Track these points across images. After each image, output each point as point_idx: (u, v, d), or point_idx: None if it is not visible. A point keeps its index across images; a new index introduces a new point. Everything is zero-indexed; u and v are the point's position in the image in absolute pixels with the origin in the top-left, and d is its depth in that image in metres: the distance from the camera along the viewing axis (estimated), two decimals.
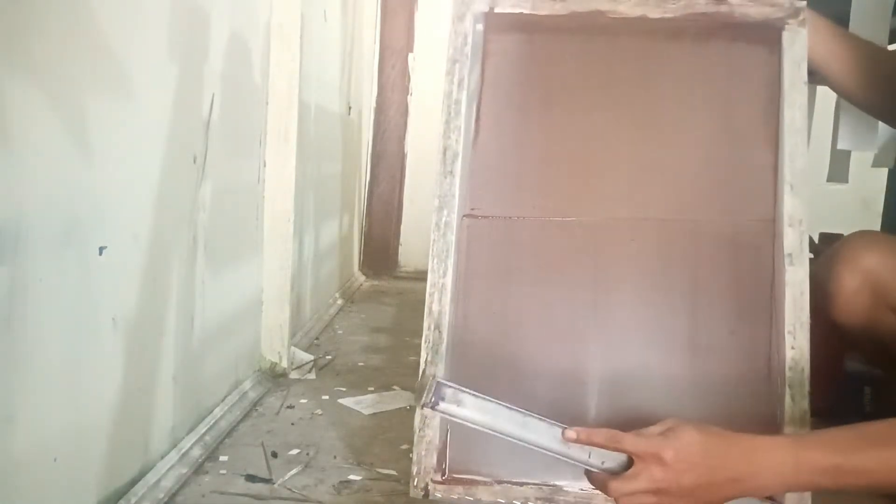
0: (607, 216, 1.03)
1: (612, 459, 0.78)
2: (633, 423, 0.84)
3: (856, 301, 1.05)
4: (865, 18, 1.33)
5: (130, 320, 0.89)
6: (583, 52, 1.07)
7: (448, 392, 0.80)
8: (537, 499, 0.97)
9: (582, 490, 0.97)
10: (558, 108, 1.07)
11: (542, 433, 0.79)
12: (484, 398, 0.80)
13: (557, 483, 0.97)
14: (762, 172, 1.03)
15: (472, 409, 0.79)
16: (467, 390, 0.80)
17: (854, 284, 1.04)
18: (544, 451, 0.79)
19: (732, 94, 1.05)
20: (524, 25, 1.07)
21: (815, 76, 1.06)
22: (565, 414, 0.98)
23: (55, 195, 0.72)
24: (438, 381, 0.80)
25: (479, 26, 1.07)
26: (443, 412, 0.80)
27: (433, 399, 0.79)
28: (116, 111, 0.83)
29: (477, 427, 0.80)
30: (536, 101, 1.07)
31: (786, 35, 1.02)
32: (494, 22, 1.07)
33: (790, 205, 0.99)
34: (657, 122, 1.05)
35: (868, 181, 1.91)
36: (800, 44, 1.02)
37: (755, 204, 1.02)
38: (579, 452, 0.78)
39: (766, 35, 1.04)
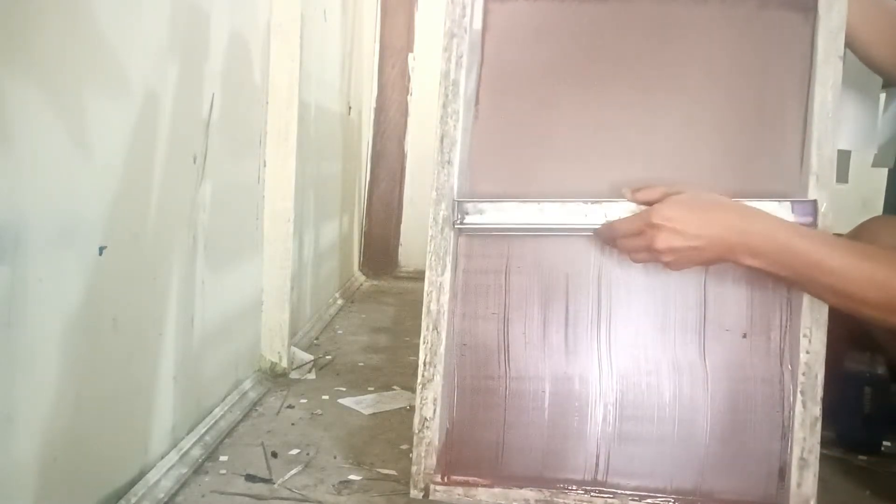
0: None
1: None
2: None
3: None
4: None
5: (130, 320, 0.89)
6: (594, 20, 0.99)
7: (468, 206, 0.93)
8: (537, 500, 0.96)
9: (581, 491, 0.97)
10: (566, 86, 0.99)
11: (558, 212, 0.92)
12: (500, 200, 0.93)
13: (557, 485, 0.97)
14: (787, 159, 0.96)
15: (493, 212, 0.93)
16: (484, 200, 0.93)
17: None
18: (566, 228, 0.92)
19: (760, 67, 0.97)
20: None
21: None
22: (565, 431, 0.98)
23: (55, 195, 0.72)
24: (457, 201, 0.93)
25: None
26: (471, 224, 0.92)
27: (458, 217, 0.92)
28: (116, 111, 0.83)
29: (504, 225, 0.92)
30: (542, 78, 1.00)
31: (822, 0, 0.94)
32: None
33: (815, 196, 0.93)
34: (674, 100, 0.98)
35: (868, 181, 1.91)
36: (838, 11, 0.94)
37: (777, 194, 0.95)
38: (596, 218, 0.91)
39: (801, 0, 0.96)
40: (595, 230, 0.92)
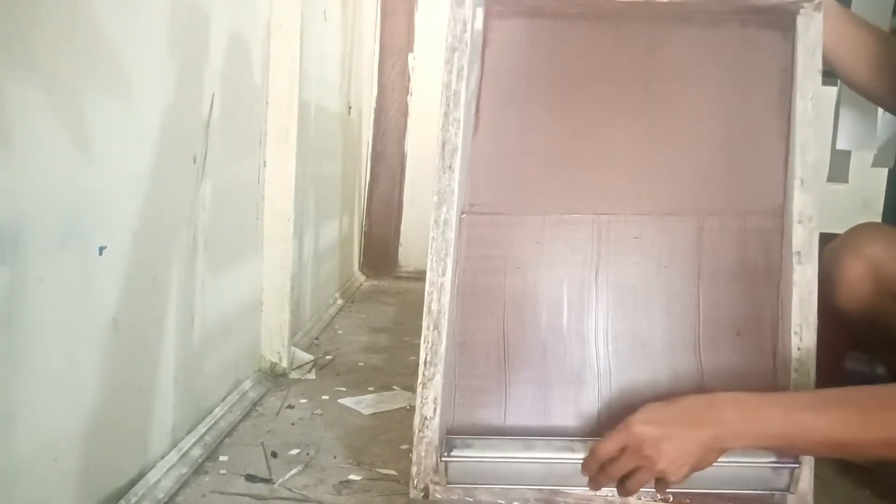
0: (611, 212, 1.01)
1: None
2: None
3: (859, 288, 1.05)
4: (865, 18, 1.33)
5: (130, 320, 0.89)
6: (587, 38, 1.03)
7: (457, 441, 0.95)
8: (537, 500, 0.96)
9: (581, 490, 0.97)
10: (561, 98, 1.03)
11: (543, 447, 0.93)
12: (487, 437, 0.96)
13: (557, 485, 0.97)
14: (772, 166, 1.00)
15: (479, 449, 0.94)
16: (472, 436, 0.96)
17: (858, 272, 1.04)
18: (549, 461, 0.93)
19: (743, 82, 1.01)
20: (526, 10, 1.03)
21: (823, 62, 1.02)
22: (565, 430, 0.98)
23: (55, 195, 0.72)
24: (448, 437, 0.95)
25: (480, 12, 1.02)
26: (457, 457, 0.94)
27: (445, 451, 0.94)
28: (116, 111, 0.83)
29: (489, 460, 0.93)
30: (539, 91, 1.04)
31: (800, 20, 0.98)
32: (495, 7, 1.03)
33: (800, 201, 0.97)
34: (664, 112, 1.02)
35: (868, 181, 1.91)
36: (815, 29, 0.98)
37: (764, 199, 1.00)
38: (581, 454, 0.90)
39: (780, 20, 1.00)
40: (582, 463, 0.89)
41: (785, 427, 0.80)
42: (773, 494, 0.95)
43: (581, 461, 0.89)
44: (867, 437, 0.78)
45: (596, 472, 0.87)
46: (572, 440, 0.93)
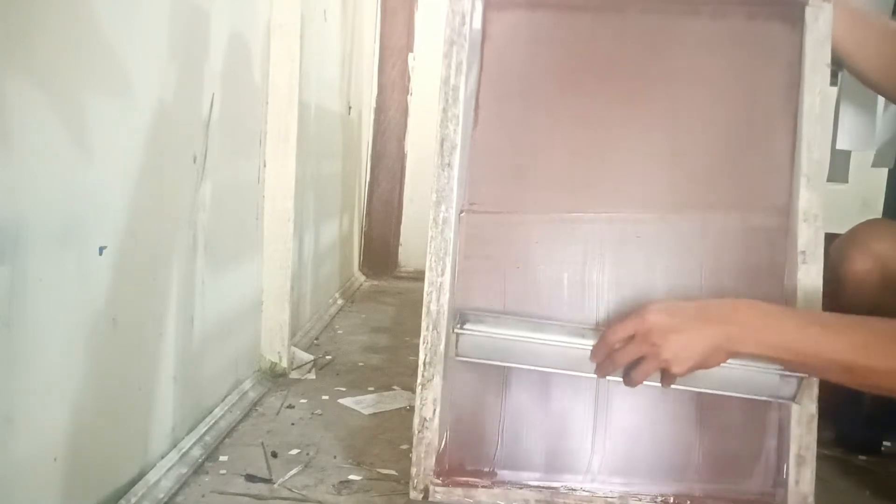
0: (613, 211, 1.00)
1: None
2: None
3: (865, 284, 1.04)
4: None
5: (130, 320, 0.89)
6: (590, 30, 1.02)
7: (470, 316, 0.96)
8: (536, 501, 0.96)
9: (581, 492, 0.97)
10: (563, 92, 1.02)
11: (555, 330, 0.93)
12: (500, 314, 0.97)
13: (557, 485, 0.97)
14: (778, 163, 0.98)
15: (491, 325, 0.94)
16: (486, 313, 0.96)
17: (865, 267, 1.04)
18: (560, 344, 0.92)
19: (749, 76, 1.00)
20: (527, 2, 1.02)
21: (832, 56, 1.00)
22: (563, 432, 0.98)
23: (55, 195, 0.72)
24: (461, 311, 0.96)
25: (479, 4, 1.01)
26: (469, 331, 0.93)
27: (458, 324, 0.94)
28: (116, 111, 0.83)
29: (500, 336, 0.93)
30: (539, 85, 1.02)
31: (809, 11, 0.97)
32: None
33: (806, 199, 0.96)
34: (668, 107, 1.00)
35: (868, 181, 1.91)
36: (824, 21, 0.97)
37: (769, 197, 0.99)
38: (591, 341, 0.90)
39: (788, 11, 0.98)
40: (592, 349, 0.90)
41: (798, 340, 0.80)
42: (774, 494, 0.95)
43: (591, 347, 0.89)
44: (879, 365, 0.78)
45: (603, 359, 0.88)
46: (584, 327, 0.94)
